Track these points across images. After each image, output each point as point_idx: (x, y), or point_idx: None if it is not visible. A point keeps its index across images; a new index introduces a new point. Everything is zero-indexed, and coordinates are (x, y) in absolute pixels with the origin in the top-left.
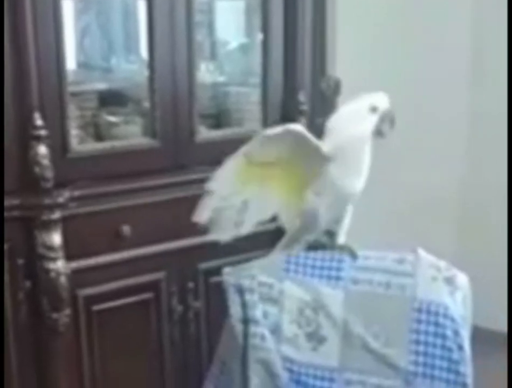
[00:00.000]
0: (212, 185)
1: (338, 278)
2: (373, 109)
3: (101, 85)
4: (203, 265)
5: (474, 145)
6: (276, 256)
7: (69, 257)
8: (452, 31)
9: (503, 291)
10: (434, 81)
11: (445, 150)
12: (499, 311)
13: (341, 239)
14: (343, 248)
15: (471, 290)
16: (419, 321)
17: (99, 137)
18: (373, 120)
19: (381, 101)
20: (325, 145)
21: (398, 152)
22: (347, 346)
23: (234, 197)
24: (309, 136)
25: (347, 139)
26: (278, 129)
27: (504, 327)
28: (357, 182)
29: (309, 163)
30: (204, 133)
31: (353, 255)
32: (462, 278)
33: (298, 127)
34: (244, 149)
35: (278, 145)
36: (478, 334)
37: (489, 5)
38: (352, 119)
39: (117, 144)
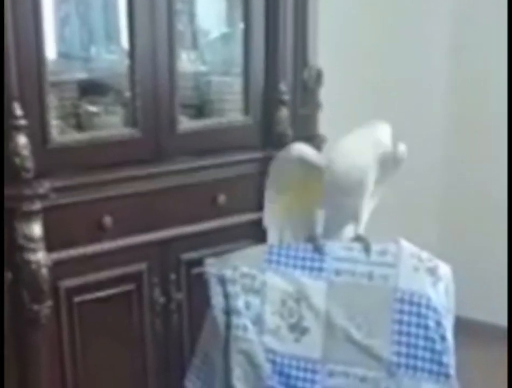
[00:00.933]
0: (265, 221)
1: (320, 269)
2: (377, 144)
3: (81, 75)
4: (185, 256)
5: (452, 135)
6: (258, 247)
7: (50, 248)
8: (433, 22)
9: (487, 281)
10: (416, 71)
11: (424, 137)
12: (483, 301)
13: (359, 229)
14: (358, 240)
15: (454, 280)
16: (401, 312)
17: (79, 127)
18: (377, 153)
19: (385, 135)
20: (324, 159)
21: None
22: (330, 337)
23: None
24: (309, 151)
25: (350, 169)
26: (282, 152)
27: (487, 317)
28: (359, 204)
29: (313, 180)
30: (185, 123)
31: (367, 249)
32: (444, 269)
33: (298, 146)
34: (267, 183)
35: (287, 167)
36: (461, 325)
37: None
38: (356, 151)
39: (97, 134)
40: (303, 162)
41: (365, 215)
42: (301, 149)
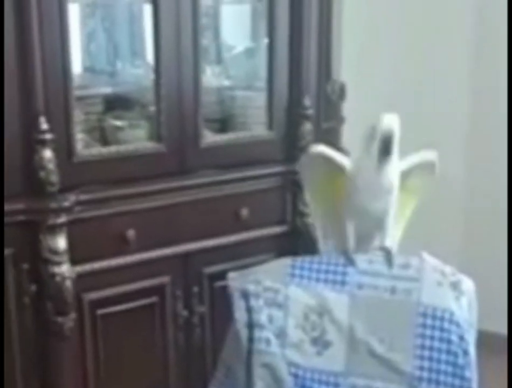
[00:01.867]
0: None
1: (343, 283)
2: (372, 135)
3: (107, 90)
4: (208, 270)
5: (474, 146)
6: (281, 261)
7: (74, 261)
8: (454, 37)
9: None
10: (437, 85)
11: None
12: (504, 315)
13: (386, 239)
14: (381, 250)
15: (477, 295)
16: (424, 326)
17: (104, 141)
18: (374, 145)
19: (381, 123)
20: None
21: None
22: (353, 351)
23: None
24: (332, 153)
25: (360, 168)
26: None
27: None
28: (385, 210)
29: (339, 183)
30: (209, 137)
31: (389, 261)
32: (467, 283)
33: (320, 146)
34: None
35: (312, 167)
36: (484, 339)
37: (490, 24)
38: (361, 147)
39: (122, 148)
40: (326, 161)
41: (392, 225)
42: (323, 148)
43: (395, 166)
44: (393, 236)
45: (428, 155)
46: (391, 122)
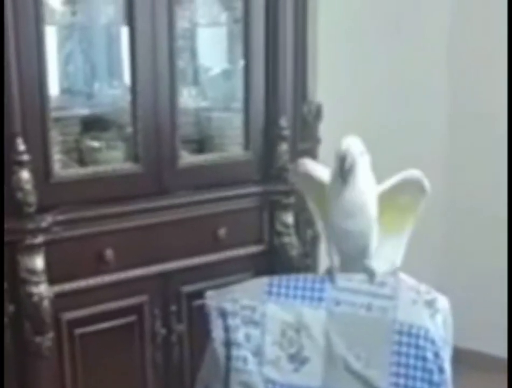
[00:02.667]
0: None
1: (320, 299)
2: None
3: (84, 111)
4: (186, 289)
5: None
6: (259, 280)
7: (52, 281)
8: (432, 57)
9: (485, 312)
10: (415, 107)
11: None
12: (483, 331)
13: (368, 260)
14: (365, 271)
15: (452, 312)
16: (399, 343)
17: (82, 162)
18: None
19: (339, 146)
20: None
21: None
22: (330, 367)
23: None
24: (315, 167)
25: (331, 187)
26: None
27: (487, 348)
28: (365, 231)
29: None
30: (187, 158)
31: (371, 278)
32: (442, 301)
33: (305, 161)
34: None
35: (299, 181)
36: (461, 355)
37: (467, 29)
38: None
39: (100, 169)
40: (310, 178)
41: (374, 247)
42: (307, 163)
43: (365, 185)
44: (396, 254)
45: (413, 173)
46: (348, 144)
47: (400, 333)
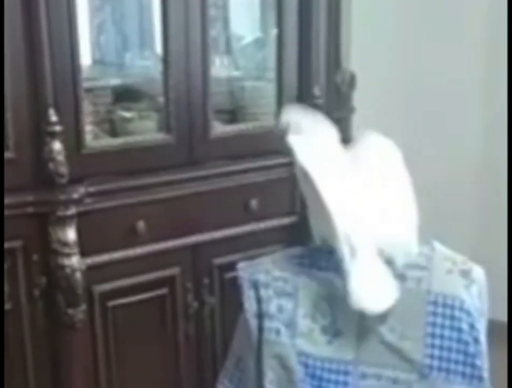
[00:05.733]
0: None
1: None
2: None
3: (116, 81)
4: (218, 261)
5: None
6: (291, 251)
7: (84, 253)
8: (467, 23)
9: None
10: (448, 73)
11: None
12: None
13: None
14: None
15: (488, 283)
16: (434, 314)
17: (113, 133)
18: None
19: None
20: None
21: (411, 145)
22: (363, 339)
23: None
24: (296, 148)
25: None
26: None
27: None
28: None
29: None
30: (219, 128)
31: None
32: (478, 271)
33: (293, 138)
34: None
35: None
36: (495, 328)
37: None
38: None
39: (131, 139)
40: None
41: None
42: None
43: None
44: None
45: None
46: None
47: (435, 304)
